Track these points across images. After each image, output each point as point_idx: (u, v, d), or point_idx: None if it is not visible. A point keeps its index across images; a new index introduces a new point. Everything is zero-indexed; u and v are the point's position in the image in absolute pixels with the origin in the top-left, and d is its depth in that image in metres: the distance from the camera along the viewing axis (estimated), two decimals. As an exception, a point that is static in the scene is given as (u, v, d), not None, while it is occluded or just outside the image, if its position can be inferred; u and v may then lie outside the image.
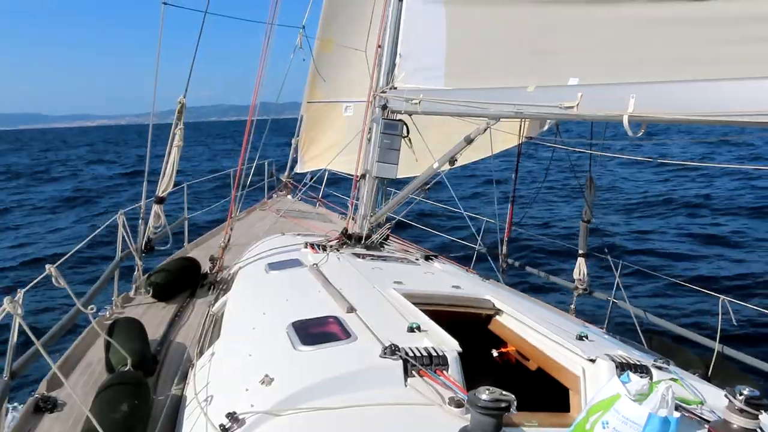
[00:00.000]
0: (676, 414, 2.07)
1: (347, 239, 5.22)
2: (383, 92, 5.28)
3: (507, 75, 4.03)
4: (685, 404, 2.36)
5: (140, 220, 5.48)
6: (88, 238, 4.50)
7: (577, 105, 3.21)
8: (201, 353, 3.28)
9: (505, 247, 7.30)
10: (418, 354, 2.41)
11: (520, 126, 5.92)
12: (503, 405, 1.72)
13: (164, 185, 5.31)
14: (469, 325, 3.34)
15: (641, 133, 2.98)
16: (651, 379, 2.45)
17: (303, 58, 8.52)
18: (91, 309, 2.98)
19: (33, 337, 2.57)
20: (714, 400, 2.49)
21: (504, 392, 1.75)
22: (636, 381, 2.20)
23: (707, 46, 2.84)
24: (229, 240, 5.99)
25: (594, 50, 3.40)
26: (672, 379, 2.54)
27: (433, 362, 2.40)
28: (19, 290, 2.61)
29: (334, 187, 10.69)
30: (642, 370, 2.64)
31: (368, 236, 5.29)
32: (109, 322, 4.05)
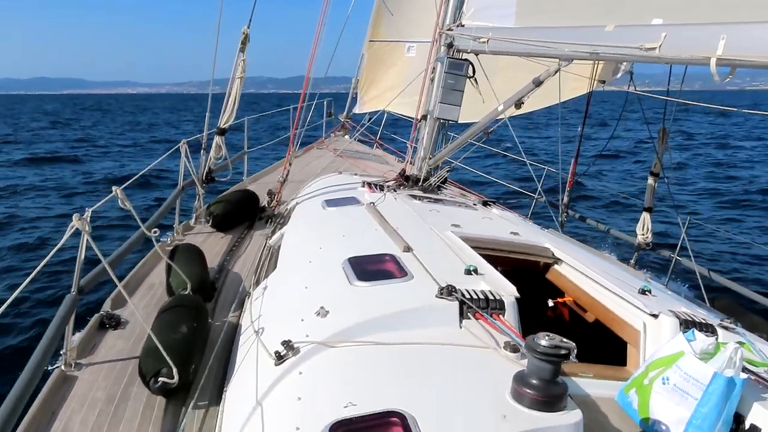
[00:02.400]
0: (743, 375, 1.97)
1: (405, 180, 5.17)
2: (450, 30, 5.09)
3: (584, 14, 3.81)
4: (752, 366, 2.25)
5: (202, 150, 5.56)
6: (149, 166, 4.59)
7: (660, 46, 2.99)
8: (257, 283, 3.33)
9: (566, 197, 7.09)
10: (474, 296, 2.37)
11: (593, 69, 5.62)
12: (563, 352, 1.66)
13: (226, 117, 5.34)
14: (527, 273, 3.27)
15: (729, 78, 2.77)
16: (717, 338, 2.35)
17: None
18: (155, 233, 3.05)
19: (100, 255, 2.65)
20: None
21: (564, 339, 1.69)
22: (702, 339, 2.11)
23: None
24: (287, 175, 6.03)
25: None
26: (739, 342, 2.42)
27: (489, 306, 2.36)
28: (87, 208, 2.68)
29: (392, 129, 10.58)
30: (707, 329, 2.53)
31: (426, 179, 5.22)
32: (170, 248, 4.17)
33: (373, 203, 4.10)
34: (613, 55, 3.49)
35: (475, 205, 4.71)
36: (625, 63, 5.68)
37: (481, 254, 2.99)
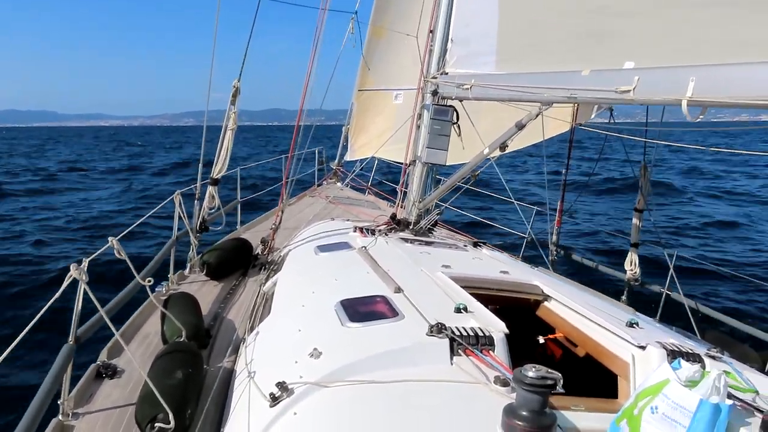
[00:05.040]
0: (728, 402, 2.02)
1: (396, 224, 5.26)
2: (434, 78, 5.27)
3: (560, 59, 3.97)
4: (738, 393, 2.30)
5: (195, 201, 5.65)
6: (146, 216, 4.67)
7: (634, 89, 3.13)
8: (252, 329, 3.38)
9: (555, 236, 7.21)
10: (464, 333, 2.43)
11: (573, 111, 5.81)
12: (549, 382, 1.72)
13: (218, 168, 5.46)
14: (517, 311, 3.33)
15: (700, 118, 2.90)
16: (703, 367, 2.40)
17: (353, 44, 8.59)
18: (149, 282, 3.10)
19: (97, 304, 2.70)
20: None
21: (550, 370, 1.75)
22: (687, 367, 2.16)
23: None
24: (279, 223, 6.11)
25: (651, 32, 3.31)
26: (724, 370, 2.48)
27: (479, 342, 2.41)
28: (84, 258, 2.75)
29: (383, 175, 10.75)
30: (694, 358, 2.59)
31: (416, 222, 5.32)
32: (165, 297, 4.21)
33: (365, 247, 4.17)
34: (590, 99, 3.64)
35: (465, 246, 4.79)
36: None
37: (471, 293, 3.06)
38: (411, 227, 5.25)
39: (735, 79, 2.72)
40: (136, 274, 3.17)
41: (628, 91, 3.16)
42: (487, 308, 2.83)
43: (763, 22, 2.77)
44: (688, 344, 2.82)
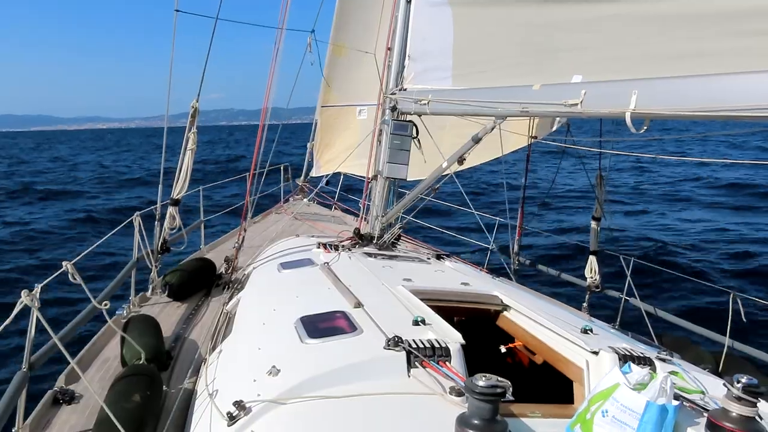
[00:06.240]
0: (675, 402, 2.09)
1: (359, 239, 5.28)
2: (393, 94, 5.35)
3: (514, 74, 4.08)
4: (685, 394, 2.38)
5: (156, 222, 5.60)
6: (104, 238, 4.62)
7: (581, 102, 3.24)
8: (214, 349, 3.36)
9: (516, 246, 7.32)
10: (421, 345, 2.47)
11: (529, 125, 5.94)
12: (499, 391, 1.76)
13: (179, 188, 5.42)
14: (478, 321, 3.39)
15: (644, 130, 3.01)
16: (654, 370, 2.48)
17: (311, 62, 8.65)
18: (105, 305, 3.07)
19: (50, 331, 2.67)
20: (716, 390, 2.50)
21: (500, 378, 1.79)
22: (636, 371, 2.23)
23: (709, 41, 2.86)
24: (243, 241, 6.09)
25: (597, 47, 3.44)
26: (673, 372, 2.56)
27: (435, 354, 2.45)
28: (36, 284, 2.71)
29: (349, 190, 10.77)
30: (645, 361, 2.67)
31: (380, 236, 5.35)
32: (125, 320, 4.16)
33: (328, 263, 4.19)
34: (541, 112, 3.74)
35: (428, 259, 4.84)
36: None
37: (431, 306, 3.10)
38: (375, 241, 5.29)
39: (675, 92, 2.84)
40: (92, 299, 3.14)
41: (576, 104, 3.27)
42: (449, 320, 2.87)
43: (700, 36, 2.91)
44: (640, 348, 2.91)
